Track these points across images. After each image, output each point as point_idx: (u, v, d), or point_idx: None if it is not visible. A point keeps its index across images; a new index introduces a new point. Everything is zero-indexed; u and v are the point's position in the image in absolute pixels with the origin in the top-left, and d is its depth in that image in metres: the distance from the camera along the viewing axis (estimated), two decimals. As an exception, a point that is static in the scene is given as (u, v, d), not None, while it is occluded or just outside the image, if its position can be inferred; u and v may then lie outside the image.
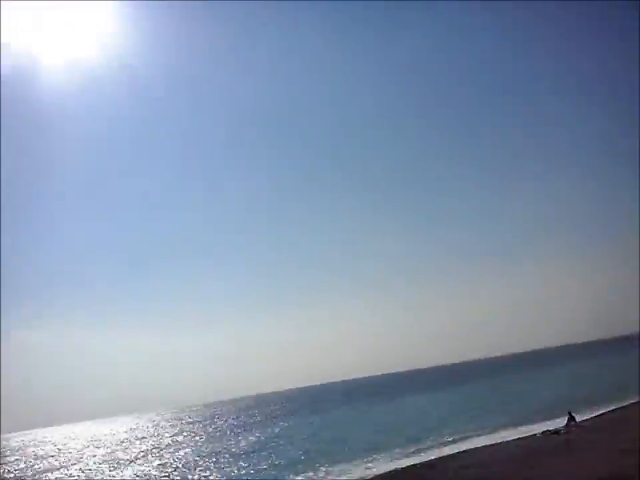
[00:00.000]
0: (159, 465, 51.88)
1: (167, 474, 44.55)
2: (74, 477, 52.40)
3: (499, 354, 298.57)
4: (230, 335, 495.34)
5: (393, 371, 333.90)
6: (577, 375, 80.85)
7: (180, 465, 48.91)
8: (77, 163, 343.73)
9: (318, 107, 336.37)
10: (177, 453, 59.94)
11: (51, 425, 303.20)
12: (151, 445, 77.75)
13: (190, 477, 41.16)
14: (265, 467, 40.54)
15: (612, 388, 51.98)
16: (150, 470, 48.68)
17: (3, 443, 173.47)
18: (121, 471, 51.36)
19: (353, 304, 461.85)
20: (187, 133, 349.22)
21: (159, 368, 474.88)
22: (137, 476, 46.07)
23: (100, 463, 61.23)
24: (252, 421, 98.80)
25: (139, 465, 54.36)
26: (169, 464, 51.15)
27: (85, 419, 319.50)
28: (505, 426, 40.46)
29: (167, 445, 73.01)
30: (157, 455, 61.60)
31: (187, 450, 62.19)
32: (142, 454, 65.25)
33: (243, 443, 59.75)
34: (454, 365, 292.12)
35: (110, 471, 53.06)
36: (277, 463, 41.12)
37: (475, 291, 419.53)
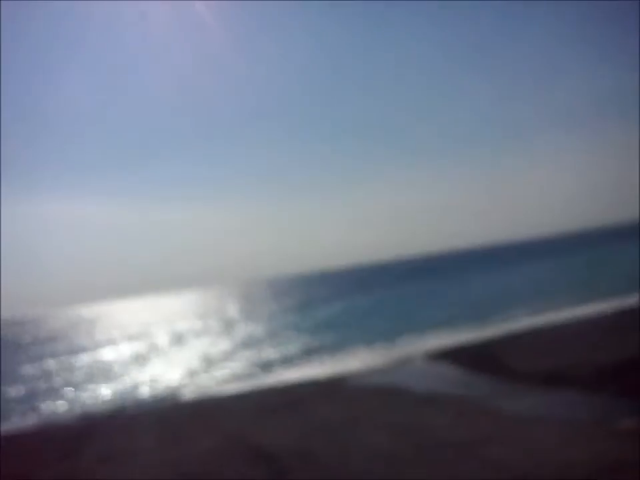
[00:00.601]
0: (230, 337, 53.97)
1: (240, 347, 46.25)
2: (145, 349, 54.93)
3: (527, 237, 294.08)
4: (289, 209, 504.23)
5: (434, 250, 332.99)
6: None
7: (253, 338, 50.74)
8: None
9: None
10: (247, 327, 62.14)
11: (118, 297, 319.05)
12: (220, 319, 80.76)
13: (264, 349, 42.59)
14: (338, 339, 41.53)
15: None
16: (223, 342, 50.74)
17: (74, 313, 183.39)
18: (192, 344, 53.76)
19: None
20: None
21: (222, 244, 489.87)
22: (209, 347, 48.18)
23: (173, 335, 64.31)
24: (315, 297, 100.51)
25: (210, 337, 56.72)
26: (240, 337, 53.09)
27: (150, 292, 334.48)
28: (576, 303, 39.90)
29: (236, 319, 75.69)
30: (228, 328, 64.05)
31: (257, 324, 64.35)
32: (212, 327, 68.05)
33: (310, 319, 61.24)
34: (480, 247, 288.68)
35: (182, 343, 55.62)
36: (348, 336, 41.97)
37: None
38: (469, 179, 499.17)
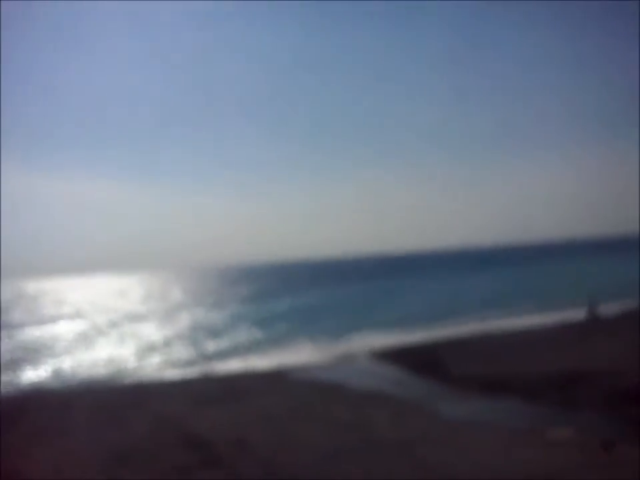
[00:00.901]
0: (178, 324, 53.29)
1: (187, 334, 45.69)
2: (91, 328, 54.03)
3: (508, 242, 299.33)
4: (253, 198, 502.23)
5: (401, 250, 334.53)
6: (602, 268, 79.63)
7: (201, 326, 50.19)
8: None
9: None
10: (196, 314, 61.28)
11: (74, 274, 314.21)
12: (171, 304, 79.60)
13: (210, 338, 42.19)
14: (287, 332, 41.24)
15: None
16: (170, 328, 50.05)
17: (19, 288, 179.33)
18: (140, 327, 52.88)
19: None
20: None
21: (180, 228, 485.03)
22: (156, 332, 47.68)
23: (121, 316, 63.12)
24: (273, 289, 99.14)
25: (158, 322, 55.90)
26: (188, 324, 52.42)
27: (101, 270, 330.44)
28: (526, 313, 40.45)
29: (185, 305, 74.65)
30: (177, 314, 63.22)
31: (208, 312, 63.55)
32: (161, 312, 67.07)
33: (263, 310, 60.58)
34: (462, 249, 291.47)
35: (129, 326, 54.71)
36: (297, 330, 41.61)
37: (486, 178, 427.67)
38: (452, 181, 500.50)
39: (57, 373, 31.52)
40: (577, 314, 34.51)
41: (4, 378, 30.49)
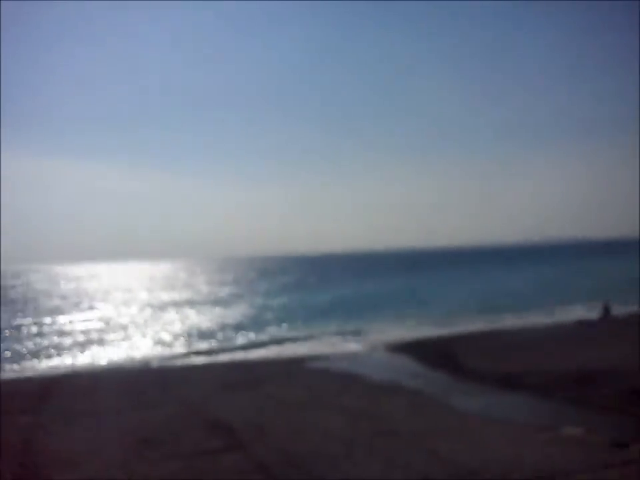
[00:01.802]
0: (206, 313, 53.91)
1: (215, 323, 46.27)
2: (122, 315, 54.79)
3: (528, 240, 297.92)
4: (287, 193, 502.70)
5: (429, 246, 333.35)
6: (616, 269, 79.56)
7: (229, 315, 50.70)
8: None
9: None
10: (225, 304, 62.07)
11: (101, 260, 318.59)
12: (197, 292, 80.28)
13: (237, 327, 42.74)
14: (307, 323, 41.86)
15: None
16: (198, 317, 50.73)
17: (61, 272, 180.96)
18: (169, 315, 53.68)
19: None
20: None
21: (206, 218, 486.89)
22: (184, 320, 48.35)
23: (152, 304, 64.36)
24: (300, 281, 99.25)
25: (186, 310, 56.66)
26: (217, 313, 53.13)
27: (132, 258, 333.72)
28: (541, 310, 40.65)
29: (215, 295, 75.26)
30: (205, 303, 63.93)
31: (235, 302, 64.14)
32: (189, 301, 67.87)
33: (291, 301, 60.95)
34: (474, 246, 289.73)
35: (160, 314, 55.52)
36: (317, 321, 42.23)
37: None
38: (463, 181, 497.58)
39: (87, 358, 32.21)
40: (591, 313, 34.82)
41: (35, 363, 31.27)
